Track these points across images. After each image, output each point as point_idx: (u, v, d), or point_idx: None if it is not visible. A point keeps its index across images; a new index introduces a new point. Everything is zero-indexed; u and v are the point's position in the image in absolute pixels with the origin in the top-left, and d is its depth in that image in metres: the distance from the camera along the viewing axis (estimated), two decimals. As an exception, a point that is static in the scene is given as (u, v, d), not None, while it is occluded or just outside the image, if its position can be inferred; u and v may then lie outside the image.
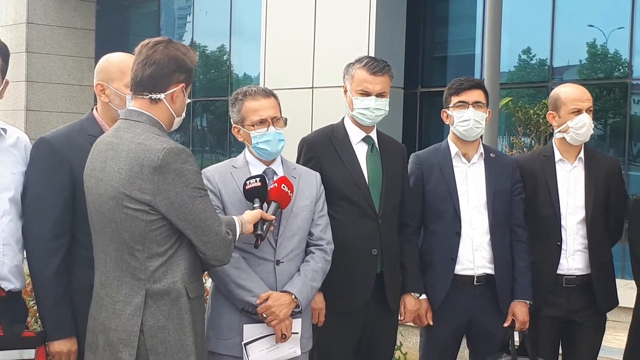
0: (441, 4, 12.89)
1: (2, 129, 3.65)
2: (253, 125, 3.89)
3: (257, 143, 3.90)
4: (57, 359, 3.63)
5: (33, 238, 3.59)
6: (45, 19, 16.13)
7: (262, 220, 3.65)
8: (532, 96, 11.62)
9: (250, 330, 3.83)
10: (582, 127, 4.55)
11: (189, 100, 3.47)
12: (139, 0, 17.50)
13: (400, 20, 11.77)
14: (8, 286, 3.53)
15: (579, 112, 4.56)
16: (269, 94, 3.96)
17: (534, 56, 11.87)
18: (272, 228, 3.73)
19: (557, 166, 4.64)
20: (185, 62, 3.35)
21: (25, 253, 3.66)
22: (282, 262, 3.89)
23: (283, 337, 3.84)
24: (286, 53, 12.15)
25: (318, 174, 4.15)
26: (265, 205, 3.73)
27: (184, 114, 3.45)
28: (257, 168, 3.96)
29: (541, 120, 9.34)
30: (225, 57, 15.70)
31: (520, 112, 9.92)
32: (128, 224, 3.20)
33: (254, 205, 3.71)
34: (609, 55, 11.14)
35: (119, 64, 3.75)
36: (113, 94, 3.73)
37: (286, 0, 12.38)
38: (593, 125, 4.59)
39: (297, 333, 3.91)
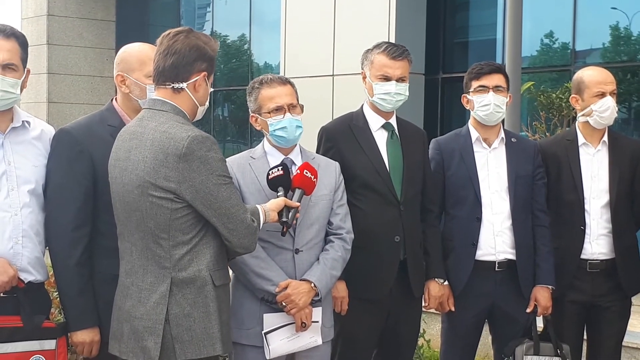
0: (462, -12, 12.81)
1: (26, 121, 3.66)
2: (269, 113, 3.90)
3: (274, 130, 3.89)
4: (79, 349, 3.65)
5: (55, 229, 3.60)
6: (65, 11, 16.17)
7: (287, 208, 3.65)
8: (555, 80, 11.52)
9: (270, 320, 3.83)
10: (605, 110, 4.51)
11: (211, 89, 3.47)
12: (159, -9, 17.51)
13: (420, 6, 11.69)
14: (28, 278, 3.55)
15: (602, 95, 4.52)
16: (284, 81, 3.96)
17: (556, 40, 11.76)
18: (298, 215, 3.73)
19: (581, 150, 4.61)
20: (207, 50, 3.35)
21: (47, 244, 3.67)
22: (301, 251, 3.90)
23: (303, 326, 3.84)
24: (306, 41, 12.11)
25: (337, 164, 4.14)
26: (290, 193, 3.73)
27: (207, 103, 3.46)
28: (276, 158, 3.96)
29: (564, 104, 9.25)
30: (245, 47, 15.68)
31: (542, 96, 9.84)
32: (153, 213, 3.21)
33: (278, 194, 3.71)
34: (633, 38, 11.01)
35: (138, 54, 3.74)
36: (133, 84, 3.73)
37: (305, -12, 12.35)
38: (617, 109, 4.55)
39: (317, 322, 3.91)
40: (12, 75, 3.52)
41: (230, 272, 3.95)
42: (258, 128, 4.00)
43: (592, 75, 4.60)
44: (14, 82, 3.53)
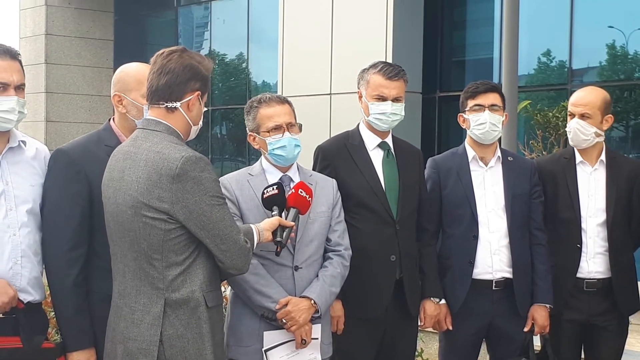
0: (459, 7, 12.86)
1: (22, 141, 3.67)
2: (268, 132, 3.90)
3: (273, 149, 3.90)
4: None
5: (51, 249, 3.60)
6: (63, 30, 16.23)
7: (282, 227, 3.64)
8: (552, 99, 11.56)
9: (270, 337, 3.83)
10: (569, 132, 4.59)
11: (205, 109, 3.47)
12: (157, 10, 17.56)
13: (417, 25, 11.75)
14: (27, 298, 3.54)
15: (572, 116, 4.57)
16: (283, 101, 3.97)
17: (553, 58, 11.81)
18: (292, 234, 3.73)
19: (578, 168, 4.62)
20: (200, 70, 3.35)
21: (44, 264, 3.66)
22: (301, 268, 3.89)
23: (303, 343, 3.83)
24: (304, 60, 12.17)
25: (334, 181, 4.15)
26: (285, 212, 3.73)
27: (201, 123, 3.46)
28: (274, 175, 3.97)
29: (560, 123, 9.29)
30: (243, 65, 15.74)
31: (539, 115, 9.88)
32: (146, 233, 3.20)
33: (273, 213, 3.70)
34: (629, 57, 11.06)
35: (136, 74, 3.75)
36: (130, 104, 3.74)
37: (303, 8, 12.39)
38: (594, 130, 4.51)
39: (317, 339, 3.91)
40: (21, 95, 3.56)
41: (229, 290, 3.96)
42: (256, 147, 4.01)
43: (573, 96, 4.67)
44: (24, 102, 3.57)
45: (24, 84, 3.59)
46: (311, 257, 3.94)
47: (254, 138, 3.98)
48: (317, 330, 3.91)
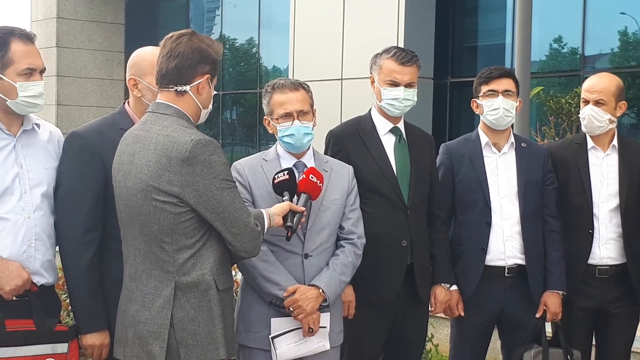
0: (471, -7, 12.81)
1: (36, 124, 3.67)
2: (278, 119, 3.89)
3: (282, 137, 3.89)
4: (89, 352, 3.65)
5: (65, 232, 3.61)
6: (75, 14, 16.22)
7: (292, 213, 3.63)
8: (564, 85, 11.51)
9: (278, 324, 3.82)
10: (583, 118, 4.55)
11: (215, 92, 3.47)
12: (168, -6, 17.56)
13: (429, 10, 11.70)
14: (40, 281, 3.55)
15: (586, 103, 4.54)
16: (297, 86, 3.94)
17: (565, 45, 11.76)
18: (303, 220, 3.72)
19: (590, 154, 4.60)
20: (210, 53, 3.34)
21: (57, 247, 3.67)
22: (311, 256, 3.88)
23: (310, 331, 3.82)
24: (315, 45, 12.13)
25: (351, 167, 4.12)
26: (295, 198, 3.72)
27: (210, 106, 3.45)
28: (288, 161, 3.95)
29: (573, 110, 9.25)
30: (254, 50, 15.71)
31: (551, 101, 9.83)
32: (157, 217, 3.21)
33: (283, 198, 3.70)
34: (642, 43, 11.02)
35: (151, 58, 3.72)
36: (145, 88, 3.74)
37: (315, -8, 12.36)
38: (608, 117, 4.49)
39: (325, 327, 3.89)
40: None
41: (240, 274, 3.96)
42: (271, 131, 4.00)
43: (586, 83, 4.64)
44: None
45: (45, 69, 3.61)
46: (322, 245, 3.92)
47: (269, 122, 3.98)
48: (325, 318, 3.89)
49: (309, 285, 3.82)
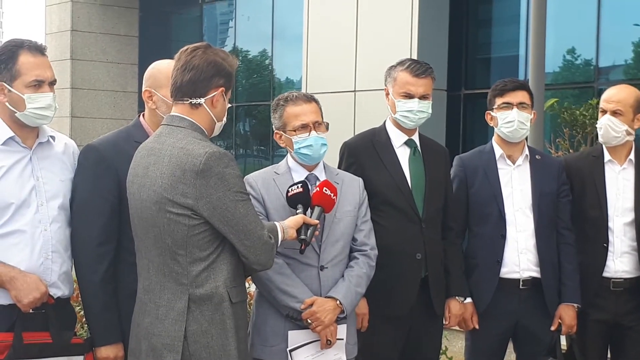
0: (484, 4, 12.77)
1: (51, 136, 3.69)
2: (295, 131, 3.89)
3: (299, 148, 3.88)
4: None
5: (80, 244, 3.61)
6: (89, 27, 16.29)
7: (306, 226, 3.63)
8: (578, 97, 11.47)
9: (295, 337, 3.81)
10: (600, 128, 4.53)
11: (229, 105, 3.47)
12: (182, 7, 17.59)
13: (443, 22, 11.68)
14: (57, 293, 3.55)
15: (604, 113, 4.52)
16: (310, 99, 3.95)
17: (579, 56, 11.72)
18: (316, 232, 3.72)
19: (606, 167, 4.58)
20: (224, 66, 3.35)
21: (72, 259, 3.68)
22: (326, 268, 3.88)
23: (328, 343, 3.81)
24: (328, 57, 12.13)
25: (361, 180, 4.12)
26: (309, 211, 3.72)
27: (225, 119, 3.46)
28: (300, 174, 3.95)
29: (587, 121, 9.21)
30: (267, 62, 15.73)
31: (566, 113, 9.79)
32: (170, 229, 3.20)
33: (297, 211, 3.70)
34: (656, 54, 10.97)
35: (167, 71, 3.72)
36: (160, 100, 3.75)
37: (328, 4, 12.35)
38: (625, 128, 4.48)
39: (342, 339, 3.89)
40: (53, 92, 3.57)
41: (254, 287, 3.96)
42: (282, 145, 3.99)
43: (605, 93, 4.63)
44: (55, 96, 3.58)
45: (55, 81, 3.61)
46: (337, 256, 3.92)
47: (280, 136, 3.97)
48: (342, 330, 3.89)
49: (326, 297, 3.82)
